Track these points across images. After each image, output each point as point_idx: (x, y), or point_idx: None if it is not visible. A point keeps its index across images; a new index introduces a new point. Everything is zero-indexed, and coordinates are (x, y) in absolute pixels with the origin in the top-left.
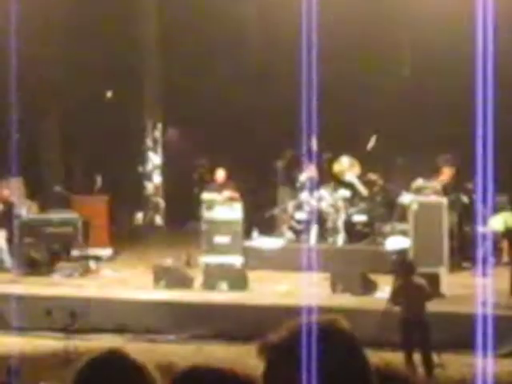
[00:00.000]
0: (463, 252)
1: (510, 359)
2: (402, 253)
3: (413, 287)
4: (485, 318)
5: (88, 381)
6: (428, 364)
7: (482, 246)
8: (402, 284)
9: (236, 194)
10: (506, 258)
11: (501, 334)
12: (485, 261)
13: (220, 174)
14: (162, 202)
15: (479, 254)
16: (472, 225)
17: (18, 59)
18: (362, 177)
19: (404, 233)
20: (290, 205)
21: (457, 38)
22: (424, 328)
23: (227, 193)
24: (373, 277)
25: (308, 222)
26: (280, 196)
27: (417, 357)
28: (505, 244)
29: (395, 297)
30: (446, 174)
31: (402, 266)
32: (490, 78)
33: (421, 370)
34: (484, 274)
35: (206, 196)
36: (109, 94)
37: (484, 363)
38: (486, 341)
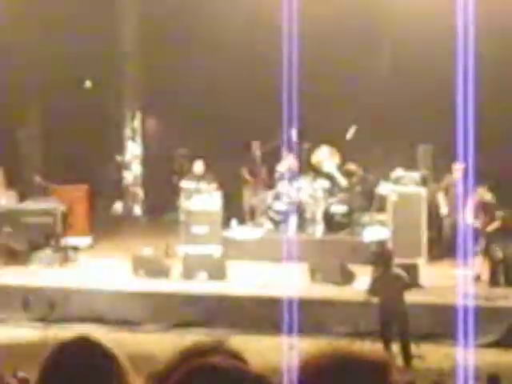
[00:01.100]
0: (442, 243)
1: (489, 349)
2: (380, 243)
3: (390, 277)
4: (465, 309)
5: (57, 365)
6: (406, 354)
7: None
8: (379, 274)
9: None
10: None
11: (480, 325)
12: (465, 252)
13: (199, 165)
14: (140, 192)
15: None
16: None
17: None
18: (341, 167)
19: (383, 223)
20: (269, 195)
21: (437, 31)
22: (402, 318)
23: (204, 185)
24: (351, 267)
25: (287, 213)
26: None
27: (395, 347)
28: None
29: (373, 287)
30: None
31: (379, 256)
32: (471, 69)
33: (399, 360)
34: (464, 265)
35: (184, 185)
36: (87, 83)
37: (464, 354)
38: (466, 331)
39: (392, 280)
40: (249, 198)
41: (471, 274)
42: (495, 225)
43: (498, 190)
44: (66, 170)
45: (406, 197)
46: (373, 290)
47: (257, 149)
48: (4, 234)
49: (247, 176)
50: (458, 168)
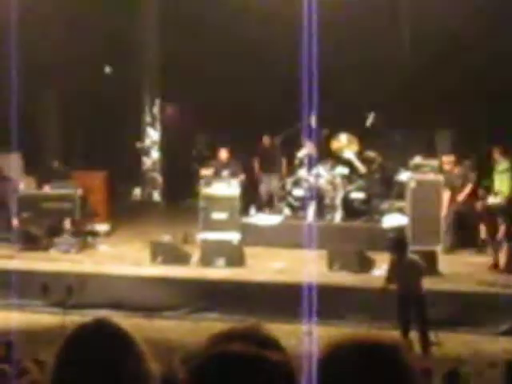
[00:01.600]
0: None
1: (509, 337)
2: (399, 230)
3: (406, 264)
4: (482, 295)
5: (75, 346)
6: (424, 341)
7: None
8: (395, 261)
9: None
10: (501, 237)
11: (500, 312)
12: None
13: (223, 153)
14: (159, 178)
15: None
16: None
17: (16, 35)
18: (360, 154)
19: (401, 210)
20: (289, 181)
21: (455, 21)
22: (420, 305)
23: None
24: (370, 254)
25: (306, 199)
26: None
27: (413, 334)
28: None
29: (390, 274)
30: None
31: (395, 243)
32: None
33: (417, 347)
34: (481, 252)
35: (207, 172)
36: (107, 69)
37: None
38: (483, 318)
39: (407, 266)
40: (265, 185)
41: (489, 261)
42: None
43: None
44: (85, 155)
45: (425, 184)
46: (389, 277)
47: (267, 140)
48: (23, 219)
49: (257, 167)
50: (447, 161)
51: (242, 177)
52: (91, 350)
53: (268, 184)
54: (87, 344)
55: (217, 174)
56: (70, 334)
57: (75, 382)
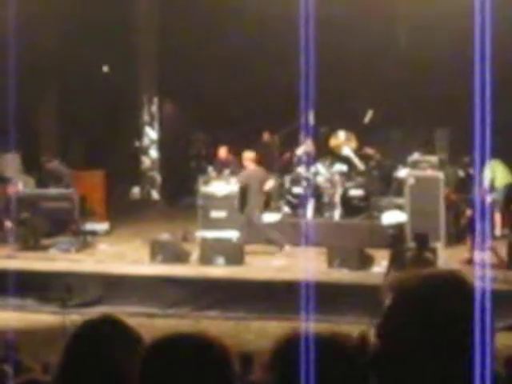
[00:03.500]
0: (459, 226)
1: (507, 332)
2: (398, 227)
3: (423, 261)
4: (483, 292)
5: (82, 342)
6: None
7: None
8: (412, 257)
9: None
10: (499, 231)
11: (499, 308)
12: (482, 235)
13: (222, 152)
14: (158, 177)
15: (477, 228)
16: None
17: (15, 34)
18: (358, 151)
19: (400, 207)
20: (287, 179)
21: (454, 8)
22: None
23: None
24: (369, 251)
25: (304, 197)
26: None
27: None
28: (498, 217)
29: (390, 270)
30: None
31: (416, 238)
32: (488, 50)
33: None
34: (482, 249)
35: (211, 172)
36: (105, 68)
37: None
38: (484, 315)
39: (423, 264)
40: None
41: (489, 257)
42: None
43: None
44: (83, 155)
45: (424, 180)
46: (390, 273)
47: (268, 138)
48: (22, 219)
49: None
50: None
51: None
52: (98, 344)
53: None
54: (94, 339)
55: (219, 174)
56: (77, 330)
57: (80, 376)
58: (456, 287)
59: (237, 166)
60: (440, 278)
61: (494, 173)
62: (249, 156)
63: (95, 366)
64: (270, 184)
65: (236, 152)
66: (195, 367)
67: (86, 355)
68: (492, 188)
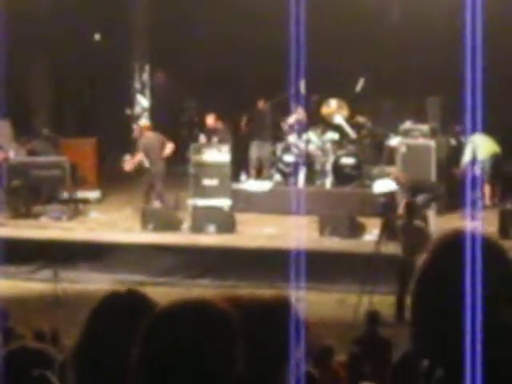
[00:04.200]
0: (451, 194)
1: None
2: (389, 195)
3: (414, 229)
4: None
5: (106, 315)
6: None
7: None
8: (403, 225)
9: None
10: (488, 202)
11: None
12: (474, 203)
13: (210, 119)
14: None
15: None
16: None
17: (6, 2)
18: (350, 119)
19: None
20: (279, 147)
21: None
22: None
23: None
24: (361, 219)
25: (296, 165)
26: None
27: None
28: (487, 188)
29: (381, 238)
30: None
31: (406, 207)
32: (478, 20)
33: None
34: (473, 217)
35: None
36: (97, 36)
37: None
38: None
39: (414, 232)
40: (256, 151)
41: (480, 225)
42: None
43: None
44: (75, 123)
45: (416, 149)
46: (381, 241)
47: (263, 105)
48: (13, 187)
49: (245, 125)
50: None
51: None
52: (122, 318)
53: (259, 150)
54: (118, 313)
55: (208, 141)
56: (101, 303)
57: (101, 353)
58: None
59: (225, 134)
60: None
61: (476, 146)
62: (144, 125)
63: (117, 343)
64: (169, 148)
65: (229, 120)
66: (197, 332)
67: (107, 331)
68: (475, 161)
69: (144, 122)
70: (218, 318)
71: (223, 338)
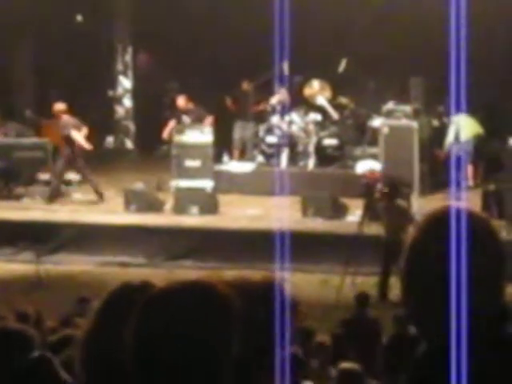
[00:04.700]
0: (433, 175)
1: None
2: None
3: (396, 210)
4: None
5: (118, 307)
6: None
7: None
8: (385, 206)
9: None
10: (470, 182)
11: None
12: (457, 184)
13: (180, 101)
14: (132, 126)
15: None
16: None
17: None
18: (332, 100)
19: (375, 156)
20: (261, 128)
21: None
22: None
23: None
24: (343, 200)
25: (279, 146)
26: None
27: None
28: (470, 168)
29: (364, 219)
30: None
31: (387, 187)
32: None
33: (394, 293)
34: (456, 198)
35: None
36: (79, 17)
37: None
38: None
39: (396, 212)
40: (239, 132)
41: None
42: None
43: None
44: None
45: (398, 130)
46: (363, 221)
47: (247, 86)
48: None
49: (230, 104)
50: None
51: (210, 119)
52: (133, 311)
53: (242, 131)
54: (130, 306)
55: (179, 123)
56: (112, 294)
57: (112, 342)
58: None
59: (198, 115)
60: None
61: (459, 126)
62: (59, 108)
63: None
64: (84, 132)
65: (213, 101)
66: (192, 316)
67: (119, 323)
68: (457, 141)
69: (60, 105)
70: (217, 303)
71: (220, 324)
